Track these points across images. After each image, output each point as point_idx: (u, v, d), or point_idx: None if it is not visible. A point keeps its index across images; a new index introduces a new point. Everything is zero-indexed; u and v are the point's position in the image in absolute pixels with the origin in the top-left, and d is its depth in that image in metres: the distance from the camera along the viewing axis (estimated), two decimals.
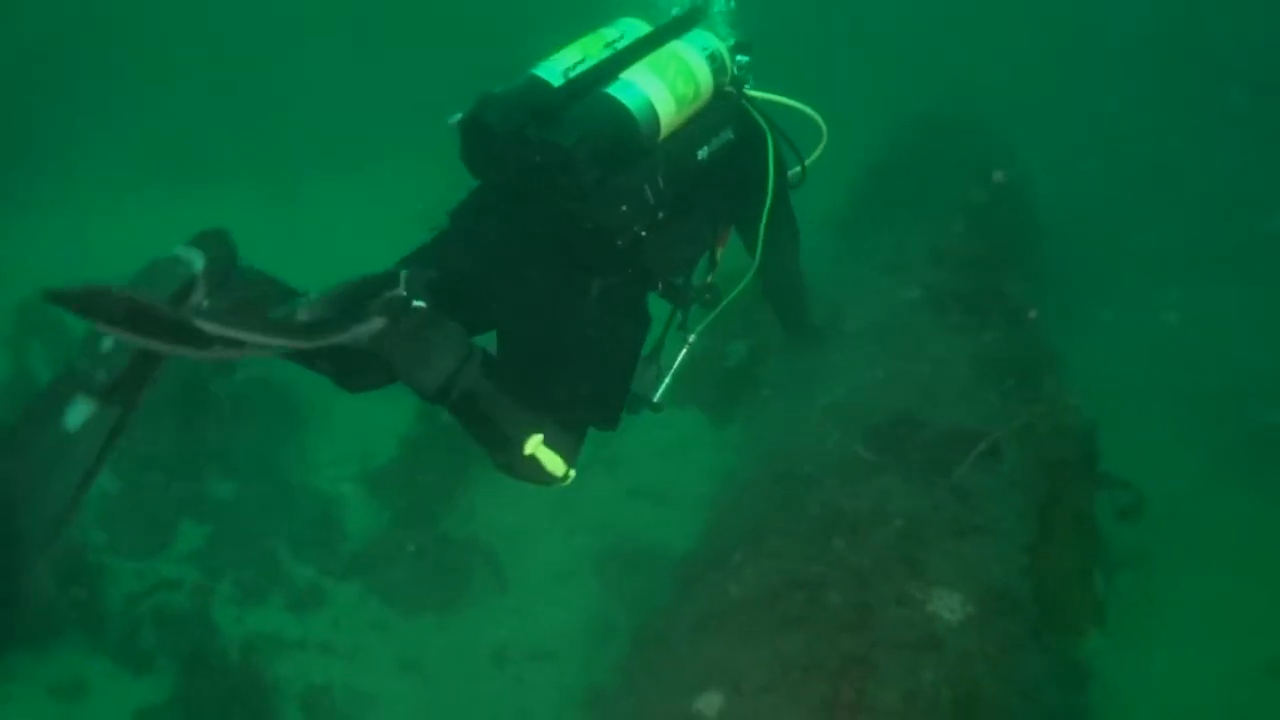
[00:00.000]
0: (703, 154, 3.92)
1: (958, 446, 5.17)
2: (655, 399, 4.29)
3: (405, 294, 2.99)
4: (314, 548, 8.65)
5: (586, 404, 3.59)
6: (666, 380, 4.32)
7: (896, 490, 4.94)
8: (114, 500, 8.42)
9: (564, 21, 3.92)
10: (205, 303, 2.86)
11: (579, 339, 3.61)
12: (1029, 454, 5.36)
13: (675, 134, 3.80)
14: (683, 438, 8.76)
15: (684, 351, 4.43)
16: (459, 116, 3.62)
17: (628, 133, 3.58)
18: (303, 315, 2.89)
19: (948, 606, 4.28)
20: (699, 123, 3.92)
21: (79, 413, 2.71)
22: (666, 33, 3.88)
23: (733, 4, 4.40)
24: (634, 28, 3.91)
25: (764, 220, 4.47)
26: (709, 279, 4.48)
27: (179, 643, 7.60)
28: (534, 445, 3.29)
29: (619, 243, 3.61)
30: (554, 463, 3.35)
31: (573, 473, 3.45)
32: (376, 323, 2.90)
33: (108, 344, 2.70)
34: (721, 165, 4.05)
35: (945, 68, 16.67)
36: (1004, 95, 15.85)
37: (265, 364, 9.88)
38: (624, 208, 3.60)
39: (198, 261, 2.85)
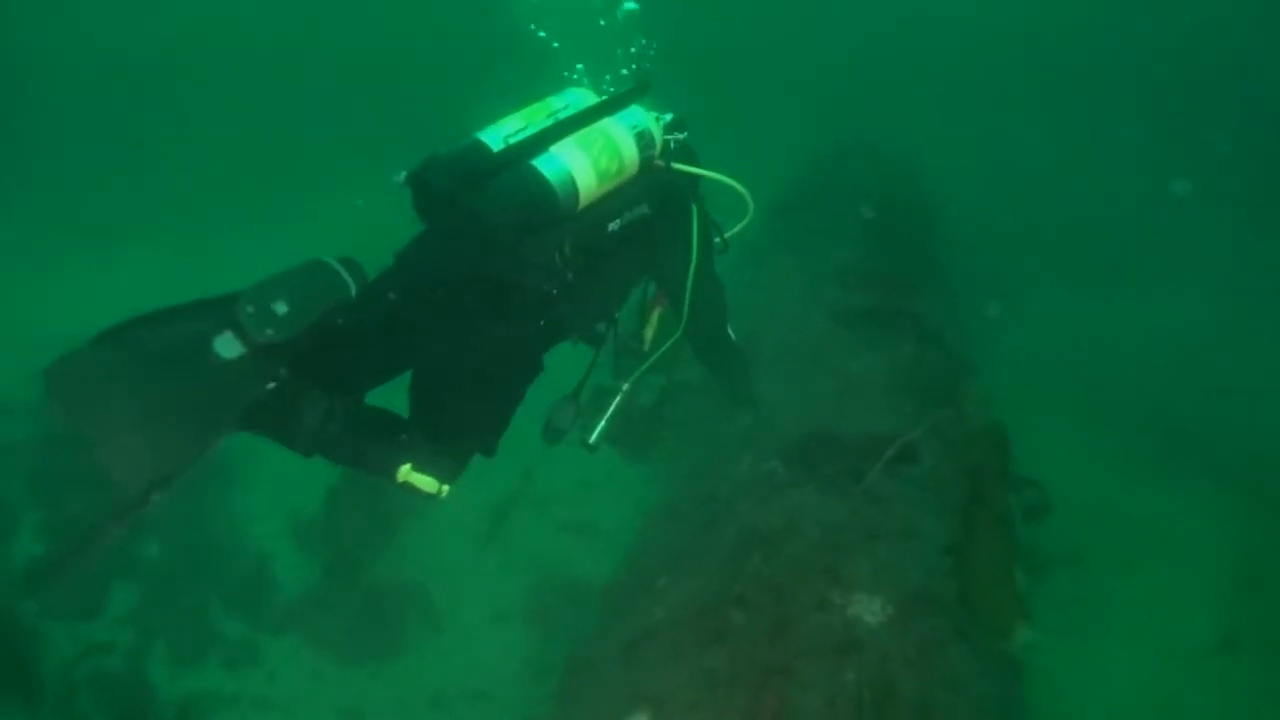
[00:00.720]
0: (614, 226, 4.24)
1: (871, 454, 5.27)
2: (591, 440, 4.85)
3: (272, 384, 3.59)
4: (246, 603, 8.62)
5: (471, 431, 4.15)
6: (602, 424, 4.84)
7: (811, 503, 5.01)
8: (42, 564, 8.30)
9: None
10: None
11: (476, 373, 4.07)
12: (943, 457, 5.48)
13: (595, 204, 4.13)
14: (608, 470, 8.76)
15: (618, 399, 4.90)
16: (404, 174, 3.95)
17: (545, 204, 3.91)
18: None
19: (868, 610, 4.36)
20: (619, 195, 4.24)
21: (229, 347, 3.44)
22: (603, 109, 4.18)
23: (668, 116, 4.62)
24: (580, 99, 4.27)
25: (689, 287, 4.81)
26: (644, 331, 5.06)
27: (116, 706, 7.57)
28: (404, 473, 3.93)
29: (530, 298, 4.01)
30: (426, 483, 3.97)
31: (446, 489, 4.02)
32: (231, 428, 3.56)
33: (282, 307, 3.48)
34: (635, 236, 4.37)
35: (856, 100, 16.97)
36: (911, 122, 16.21)
37: None
38: (535, 270, 3.98)
39: (353, 288, 3.85)
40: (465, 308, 4.00)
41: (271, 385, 3.64)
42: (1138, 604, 8.42)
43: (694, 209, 4.74)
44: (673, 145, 4.58)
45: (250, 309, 3.49)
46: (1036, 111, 19.29)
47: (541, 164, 3.93)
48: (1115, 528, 9.25)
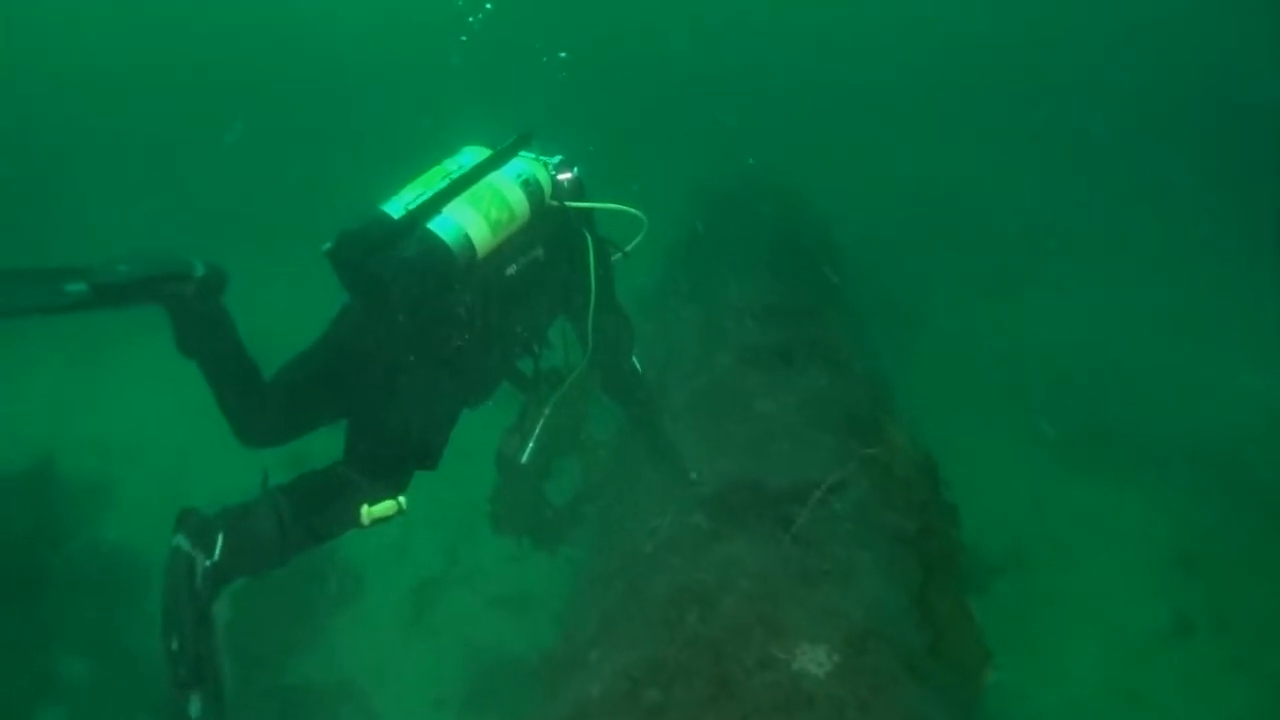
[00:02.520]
0: (511, 271, 4.51)
1: (797, 498, 5.10)
2: (523, 460, 5.17)
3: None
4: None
5: (410, 452, 4.28)
6: (530, 445, 5.17)
7: (741, 554, 4.82)
8: None
9: None
10: (185, 291, 3.91)
11: (410, 397, 4.25)
12: (870, 490, 5.33)
13: (494, 253, 4.39)
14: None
15: (540, 423, 5.20)
16: (327, 246, 4.15)
17: (444, 263, 4.17)
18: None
19: (814, 660, 4.16)
20: (514, 241, 4.50)
21: None
22: (488, 165, 4.47)
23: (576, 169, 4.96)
24: (474, 158, 4.54)
25: (590, 316, 5.09)
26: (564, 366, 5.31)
27: None
28: (366, 515, 4.10)
29: (445, 349, 4.28)
30: (386, 509, 4.14)
31: (403, 500, 4.19)
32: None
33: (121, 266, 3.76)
34: (531, 279, 4.64)
35: (737, 131, 17.07)
36: (802, 153, 16.34)
37: (95, 531, 9.54)
38: (443, 325, 4.25)
39: (200, 268, 3.93)
40: (386, 358, 4.22)
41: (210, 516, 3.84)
42: (1086, 597, 8.49)
43: (588, 240, 4.99)
44: (565, 185, 4.84)
45: (92, 264, 3.75)
46: (923, 124, 19.55)
47: (436, 226, 4.18)
48: (1051, 524, 9.37)
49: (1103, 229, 15.71)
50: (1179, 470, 9.96)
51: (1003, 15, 24.15)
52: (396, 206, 4.24)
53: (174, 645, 3.54)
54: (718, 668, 4.14)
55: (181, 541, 3.68)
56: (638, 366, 5.76)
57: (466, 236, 4.22)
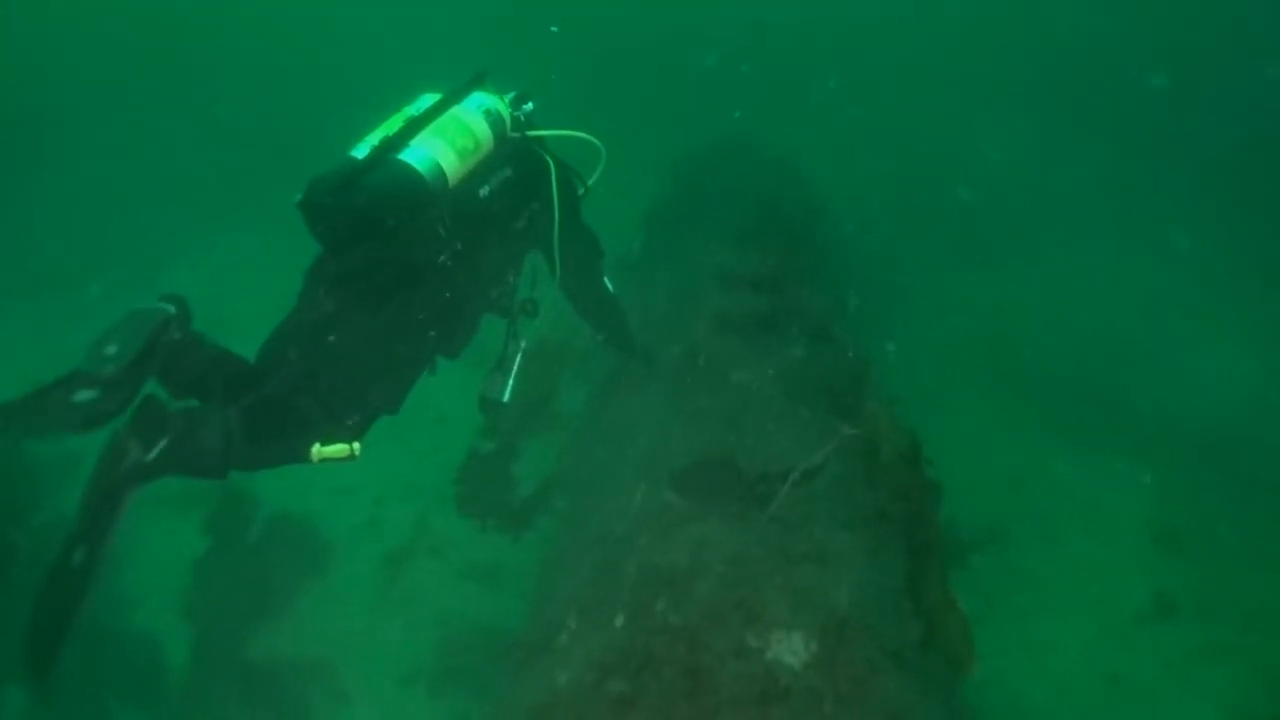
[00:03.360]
0: (484, 191, 4.81)
1: (773, 475, 4.91)
2: (505, 399, 5.37)
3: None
4: (140, 694, 8.06)
5: (380, 398, 4.47)
6: (510, 382, 5.37)
7: (714, 534, 4.63)
8: None
9: None
10: (178, 335, 4.04)
11: (375, 339, 4.42)
12: (849, 468, 5.13)
13: (463, 180, 4.63)
14: None
15: (519, 356, 5.43)
16: (298, 198, 4.28)
17: (417, 187, 4.38)
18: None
19: (789, 650, 3.98)
20: (483, 167, 4.77)
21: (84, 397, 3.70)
22: (448, 101, 4.73)
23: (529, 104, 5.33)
24: (431, 101, 4.76)
25: (555, 238, 5.32)
26: (534, 294, 5.50)
27: None
28: (317, 453, 4.15)
29: (431, 272, 4.54)
30: (338, 451, 4.19)
31: (357, 446, 4.24)
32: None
33: (111, 349, 3.77)
34: (506, 198, 4.96)
35: (731, 98, 16.88)
36: (789, 118, 16.13)
37: (61, 505, 9.32)
38: (423, 245, 4.52)
39: (170, 309, 4.01)
40: (375, 292, 4.42)
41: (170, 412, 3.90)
42: (1067, 575, 8.43)
43: (550, 165, 5.22)
44: (521, 118, 5.14)
45: (87, 364, 3.77)
46: (915, 97, 19.36)
47: (406, 155, 4.41)
48: (1033, 501, 9.29)
49: (1091, 206, 15.55)
50: (1161, 448, 9.83)
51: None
52: (362, 150, 4.45)
53: (81, 506, 3.65)
54: (689, 657, 3.95)
55: (124, 432, 3.77)
56: (609, 286, 6.08)
57: (436, 163, 4.45)
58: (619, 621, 4.32)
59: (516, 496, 6.98)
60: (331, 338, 4.35)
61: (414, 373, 4.66)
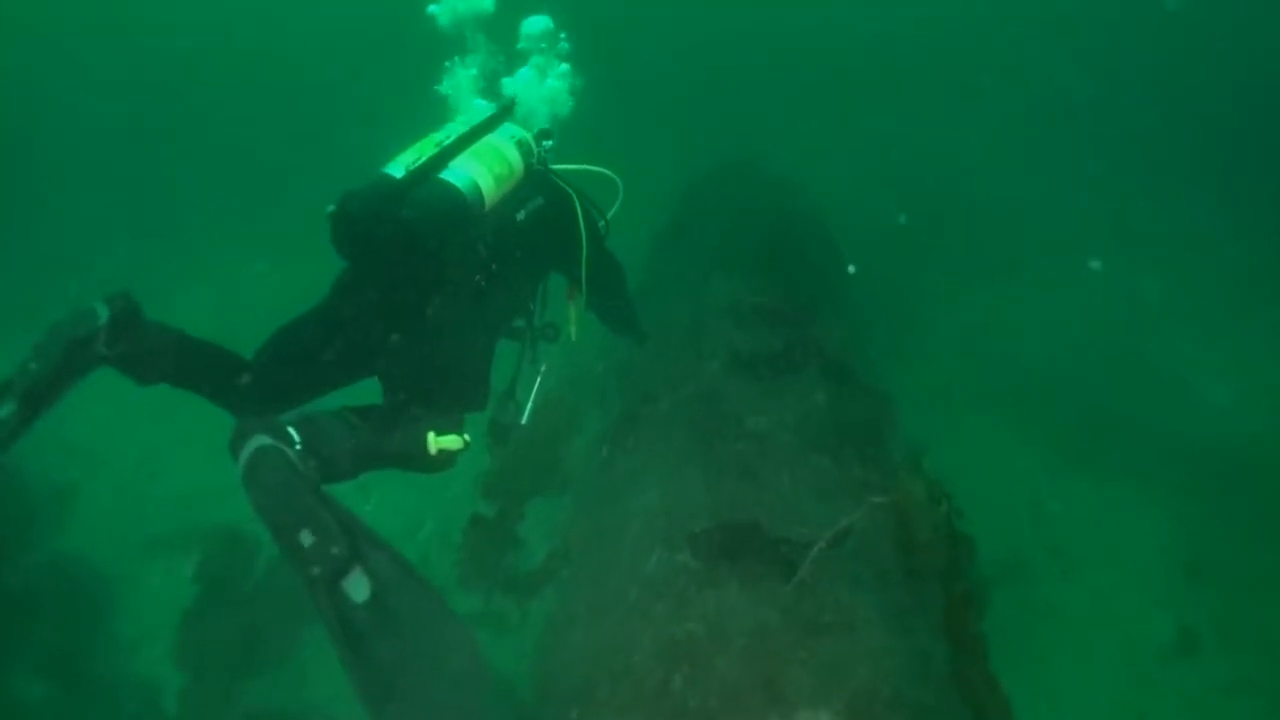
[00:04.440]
0: (520, 216, 4.98)
1: (795, 539, 4.68)
2: (523, 421, 5.37)
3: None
4: None
5: (463, 393, 4.56)
6: (530, 404, 5.38)
7: (734, 601, 4.38)
8: None
9: None
10: (104, 350, 3.99)
11: (447, 345, 4.49)
12: (876, 524, 4.86)
13: (498, 204, 4.79)
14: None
15: (538, 380, 5.46)
16: (331, 209, 4.40)
17: (458, 205, 4.54)
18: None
19: None
20: (516, 194, 4.96)
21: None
22: (484, 128, 4.93)
23: (549, 127, 5.63)
24: (460, 129, 4.89)
25: (583, 265, 5.42)
26: (566, 322, 5.74)
27: None
28: (434, 443, 4.20)
29: (467, 288, 4.58)
30: (453, 442, 4.26)
31: (468, 437, 4.33)
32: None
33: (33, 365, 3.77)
34: (538, 224, 5.08)
35: (731, 116, 16.78)
36: (791, 139, 15.98)
37: (52, 543, 9.13)
38: (462, 263, 4.57)
39: (103, 313, 3.95)
40: (409, 306, 4.44)
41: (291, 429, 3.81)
42: (1088, 610, 8.23)
43: (574, 198, 5.39)
44: (542, 152, 5.38)
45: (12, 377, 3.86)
46: (916, 110, 19.25)
47: (448, 175, 4.58)
48: (1050, 530, 9.09)
49: (1104, 217, 15.36)
50: (1178, 471, 9.64)
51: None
52: (396, 169, 4.57)
53: (305, 540, 3.38)
54: None
55: (263, 439, 3.62)
56: (630, 305, 6.32)
57: (475, 184, 4.63)
58: (633, 701, 4.08)
59: (523, 564, 6.72)
60: (387, 348, 4.47)
61: (489, 364, 4.80)
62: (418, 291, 4.48)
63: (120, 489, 9.93)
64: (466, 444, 4.32)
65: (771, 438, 5.66)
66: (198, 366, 4.31)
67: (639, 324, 6.52)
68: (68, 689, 8.14)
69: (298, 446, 3.70)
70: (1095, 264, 13.24)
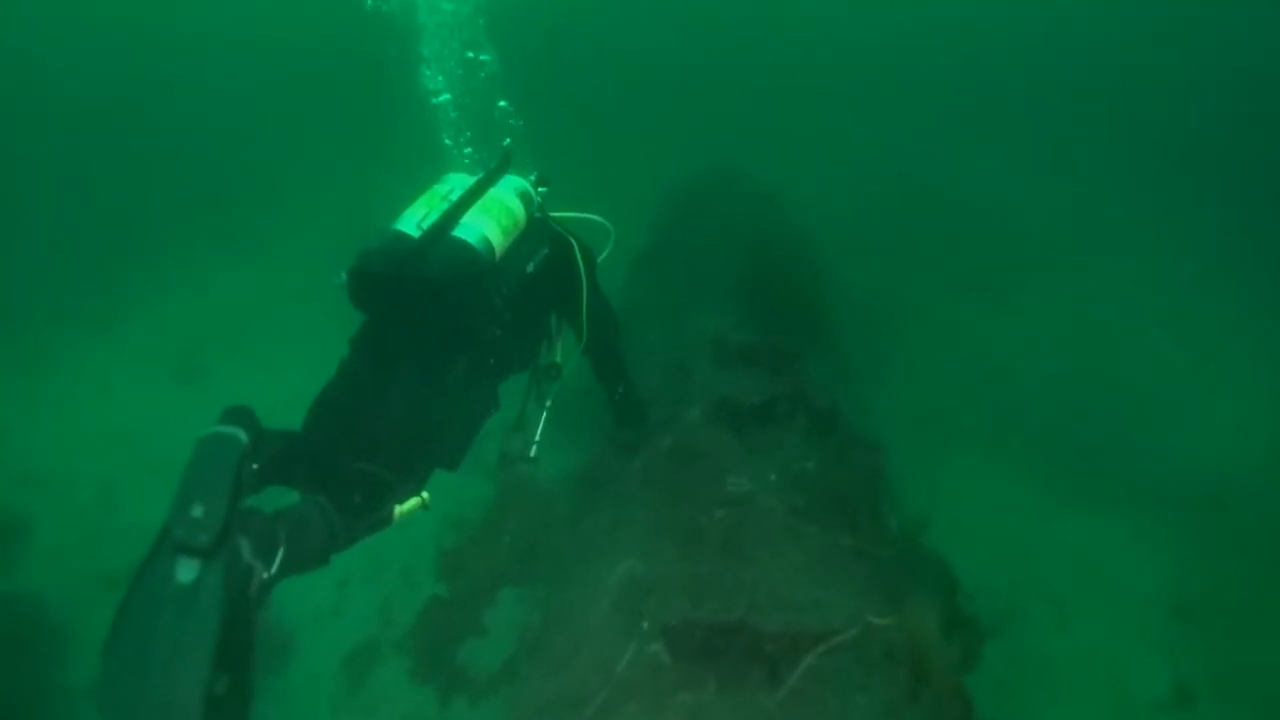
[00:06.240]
0: (530, 267, 5.12)
1: (782, 634, 4.30)
2: (532, 455, 5.55)
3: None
4: None
5: (442, 460, 4.61)
6: (537, 438, 5.57)
7: (712, 706, 4.00)
8: None
9: None
10: (255, 465, 3.85)
11: (445, 408, 4.59)
12: (876, 639, 4.48)
13: (507, 255, 4.91)
14: None
15: (544, 416, 5.64)
16: (343, 276, 4.57)
17: (474, 261, 4.69)
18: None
19: None
20: (523, 244, 5.08)
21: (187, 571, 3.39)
22: (487, 182, 5.05)
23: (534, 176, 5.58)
24: (460, 180, 5.08)
25: (584, 309, 5.63)
26: (556, 359, 5.74)
27: None
28: (397, 513, 4.26)
29: (484, 340, 4.76)
30: (412, 505, 4.31)
31: (426, 495, 4.38)
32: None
33: (198, 511, 3.44)
34: (545, 273, 5.25)
35: (709, 131, 16.59)
36: (769, 149, 15.75)
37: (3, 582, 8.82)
38: (481, 315, 4.72)
39: (242, 435, 3.74)
40: (426, 361, 4.58)
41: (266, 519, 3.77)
42: (1082, 659, 8.00)
43: (574, 246, 5.60)
44: (539, 199, 5.46)
45: (179, 532, 3.46)
46: (897, 123, 19.06)
47: (460, 232, 4.72)
48: (1042, 570, 8.77)
49: (1092, 236, 15.13)
50: (1172, 505, 9.38)
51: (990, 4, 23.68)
52: (409, 224, 4.72)
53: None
54: None
55: (244, 548, 3.57)
56: (622, 353, 6.32)
57: (486, 239, 4.77)
58: None
59: (482, 660, 6.32)
60: (388, 403, 4.49)
61: (475, 433, 4.84)
62: (438, 346, 4.65)
63: (74, 523, 9.50)
64: (425, 504, 4.38)
65: (754, 503, 5.30)
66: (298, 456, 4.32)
67: (630, 378, 6.50)
68: None
69: (270, 572, 3.66)
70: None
